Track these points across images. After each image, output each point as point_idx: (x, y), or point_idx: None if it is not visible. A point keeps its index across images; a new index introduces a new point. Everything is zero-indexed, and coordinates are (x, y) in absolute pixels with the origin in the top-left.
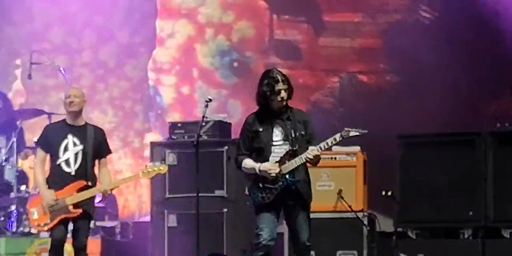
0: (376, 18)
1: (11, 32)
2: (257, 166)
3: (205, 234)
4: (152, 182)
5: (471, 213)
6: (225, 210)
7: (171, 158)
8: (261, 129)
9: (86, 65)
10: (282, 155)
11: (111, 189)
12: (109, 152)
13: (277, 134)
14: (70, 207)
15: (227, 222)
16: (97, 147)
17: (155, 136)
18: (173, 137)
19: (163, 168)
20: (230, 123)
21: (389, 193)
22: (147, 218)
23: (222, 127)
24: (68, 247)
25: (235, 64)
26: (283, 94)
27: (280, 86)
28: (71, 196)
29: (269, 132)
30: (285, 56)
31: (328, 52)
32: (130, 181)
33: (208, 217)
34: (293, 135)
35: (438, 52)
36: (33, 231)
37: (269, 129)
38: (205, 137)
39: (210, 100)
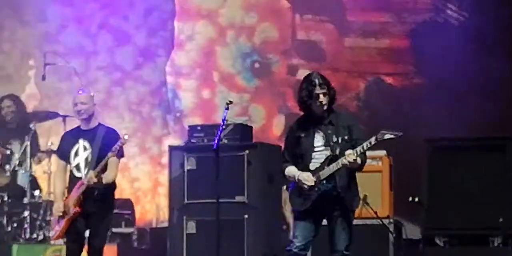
0: (403, 18)
1: (24, 33)
2: (297, 175)
3: (225, 241)
4: (170, 187)
5: (501, 219)
6: (246, 216)
7: (190, 162)
8: (302, 135)
9: (102, 69)
10: (322, 161)
11: (96, 178)
12: (121, 155)
13: (319, 140)
14: (71, 207)
15: (248, 228)
16: (105, 147)
17: (173, 141)
18: (192, 140)
19: (123, 140)
20: (251, 127)
21: (416, 199)
22: (165, 225)
23: (243, 130)
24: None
25: (257, 65)
26: (322, 98)
27: (318, 90)
28: (72, 198)
29: (311, 137)
30: (308, 57)
31: (353, 53)
32: (110, 165)
33: (228, 223)
34: (334, 140)
35: (467, 53)
36: (50, 240)
37: (310, 134)
38: (226, 141)
39: (231, 102)
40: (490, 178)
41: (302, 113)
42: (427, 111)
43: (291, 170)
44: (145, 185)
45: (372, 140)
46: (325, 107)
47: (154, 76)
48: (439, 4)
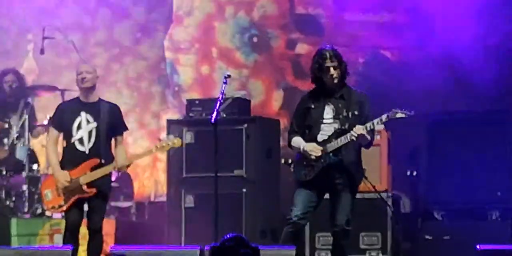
0: None
1: (21, 8)
2: (302, 145)
3: (224, 215)
4: (168, 161)
5: (499, 193)
6: (244, 190)
7: (188, 136)
8: (313, 106)
9: (100, 44)
10: (330, 133)
11: (127, 166)
12: (125, 129)
13: (328, 112)
14: (84, 187)
15: (246, 202)
16: (111, 124)
17: (172, 116)
18: (190, 114)
19: (177, 142)
20: (249, 101)
21: (414, 173)
22: (163, 199)
23: (241, 104)
24: (83, 229)
25: (255, 40)
26: (332, 71)
27: (328, 63)
28: (85, 175)
29: (320, 109)
30: (307, 32)
31: (352, 28)
32: (145, 156)
33: (227, 197)
34: (344, 114)
35: (468, 25)
36: (47, 212)
37: (320, 106)
38: (224, 115)
39: (229, 76)
40: (488, 151)
41: (301, 86)
42: (426, 85)
43: (297, 141)
44: (143, 160)
45: (384, 117)
46: (336, 81)
47: (153, 51)
48: None
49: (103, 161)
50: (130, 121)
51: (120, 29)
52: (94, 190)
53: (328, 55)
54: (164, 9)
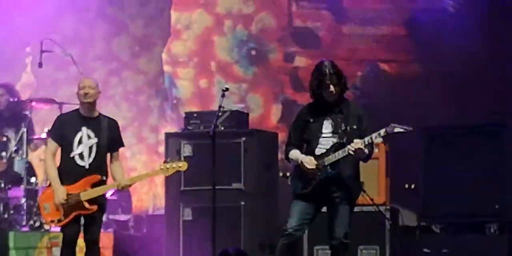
0: (400, 5)
1: (20, 21)
2: (300, 158)
3: (222, 228)
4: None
5: (497, 206)
6: (243, 203)
7: (186, 149)
8: (311, 120)
9: (99, 58)
10: (328, 147)
11: (129, 185)
12: (122, 145)
13: (327, 126)
14: (85, 203)
15: (245, 215)
16: (111, 140)
17: (170, 129)
18: (188, 127)
19: (183, 165)
20: (247, 114)
21: (413, 186)
22: (162, 212)
23: (240, 117)
24: (81, 243)
25: (253, 53)
26: (332, 88)
27: (328, 80)
28: (85, 191)
29: (319, 123)
30: (305, 45)
31: (350, 41)
32: (148, 177)
33: (225, 210)
34: (343, 128)
35: (464, 41)
36: (45, 225)
37: (319, 120)
38: (222, 128)
39: (227, 89)
40: (486, 165)
41: (299, 100)
42: (424, 98)
43: (294, 153)
44: (141, 184)
45: (382, 132)
46: (336, 96)
47: (151, 65)
48: None
49: (104, 177)
50: (128, 135)
51: (118, 43)
52: (95, 207)
53: (327, 71)
54: (162, 23)
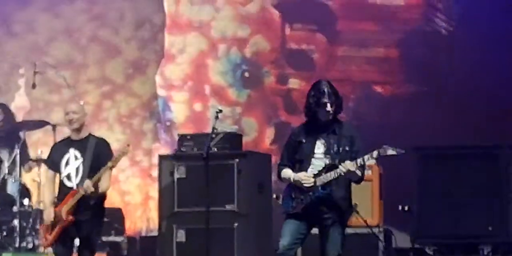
0: (392, 27)
1: (13, 45)
2: (292, 176)
3: (215, 249)
4: (160, 196)
5: (490, 228)
6: (236, 224)
7: (180, 171)
8: (304, 141)
9: (92, 81)
10: (320, 168)
11: (93, 188)
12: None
13: (319, 147)
14: (64, 215)
15: (238, 237)
16: (97, 157)
17: (164, 152)
18: (182, 149)
19: (125, 150)
20: (241, 135)
21: (406, 208)
22: (155, 233)
23: (233, 139)
24: None
25: (247, 75)
26: (329, 108)
27: (326, 99)
28: (66, 205)
29: (312, 144)
30: (298, 67)
31: (343, 62)
32: (103, 175)
33: (219, 232)
34: (335, 150)
35: (456, 62)
36: (41, 248)
37: (312, 141)
38: (215, 150)
39: (221, 111)
40: (479, 186)
41: (293, 122)
42: (417, 119)
43: (287, 172)
44: (135, 198)
45: (374, 154)
46: (331, 116)
47: (145, 88)
48: (428, 14)
49: (80, 190)
50: (122, 158)
51: (111, 66)
52: (71, 218)
53: (326, 91)
54: (156, 46)
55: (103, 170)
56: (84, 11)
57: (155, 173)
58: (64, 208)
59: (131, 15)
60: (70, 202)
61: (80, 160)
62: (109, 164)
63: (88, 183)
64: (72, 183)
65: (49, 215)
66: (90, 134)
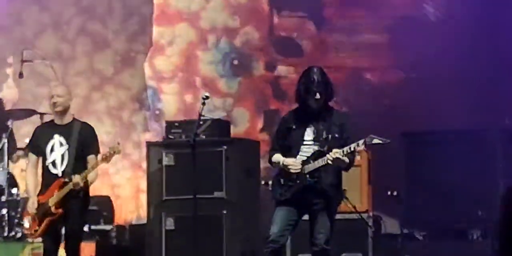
0: (381, 13)
1: (0, 38)
2: (282, 160)
3: (204, 237)
4: (148, 184)
5: (480, 213)
6: (225, 212)
7: (168, 158)
8: (294, 127)
9: (81, 74)
10: (309, 154)
11: (83, 182)
12: (96, 149)
13: (309, 134)
14: (52, 208)
15: (227, 224)
16: (82, 144)
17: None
18: (169, 136)
19: (116, 149)
20: (228, 122)
21: (395, 193)
22: (144, 221)
23: (221, 126)
24: (62, 253)
25: (235, 62)
26: (318, 96)
27: (315, 87)
28: (52, 197)
29: (301, 131)
30: (287, 53)
31: (331, 49)
32: (93, 170)
33: (207, 219)
34: (324, 137)
35: (445, 48)
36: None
37: (302, 127)
38: (203, 137)
39: (207, 97)
40: (468, 171)
41: (281, 109)
42: (406, 105)
43: (277, 157)
44: (126, 191)
45: (360, 142)
46: (321, 104)
47: (134, 80)
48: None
49: (67, 179)
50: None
51: (100, 59)
52: (60, 211)
53: (316, 78)
54: (145, 38)
55: (92, 165)
56: (72, 3)
57: (145, 166)
58: (52, 201)
59: (119, 6)
60: (57, 194)
61: (65, 147)
62: (99, 162)
63: (77, 179)
64: (57, 170)
65: (33, 204)
66: (74, 119)
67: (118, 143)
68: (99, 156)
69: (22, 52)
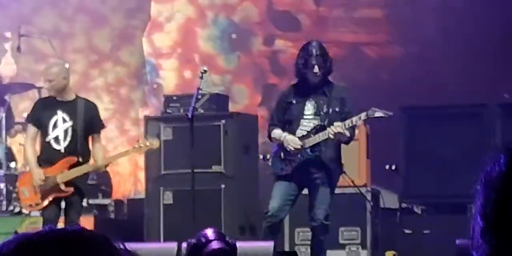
0: None
1: None
2: (283, 136)
3: (202, 211)
4: (147, 158)
5: (478, 187)
6: (223, 186)
7: (166, 132)
8: (294, 101)
9: (79, 51)
10: (310, 129)
11: (105, 166)
12: (102, 126)
13: (309, 108)
14: (62, 186)
15: (225, 198)
16: (87, 122)
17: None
18: (168, 111)
19: (155, 143)
20: (227, 96)
21: (393, 167)
22: (142, 196)
23: (219, 100)
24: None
25: (234, 36)
26: (316, 69)
27: (314, 61)
28: (62, 173)
29: (301, 105)
30: (285, 28)
31: (329, 24)
32: (122, 157)
33: (205, 193)
34: (325, 111)
35: (442, 22)
36: (24, 210)
37: (302, 102)
38: (201, 111)
39: (205, 71)
40: (466, 145)
41: (279, 84)
42: (404, 79)
43: (277, 133)
44: (125, 168)
45: (362, 115)
46: (320, 78)
47: (133, 57)
48: None
49: (80, 159)
50: (110, 128)
51: (99, 35)
52: (71, 189)
53: (314, 52)
54: (143, 15)
55: (121, 153)
56: None
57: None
58: (62, 178)
59: None
60: (71, 172)
61: (69, 123)
62: (131, 151)
63: (102, 168)
64: (60, 146)
65: (39, 176)
66: (77, 96)
67: (156, 137)
68: (135, 145)
69: (19, 26)
